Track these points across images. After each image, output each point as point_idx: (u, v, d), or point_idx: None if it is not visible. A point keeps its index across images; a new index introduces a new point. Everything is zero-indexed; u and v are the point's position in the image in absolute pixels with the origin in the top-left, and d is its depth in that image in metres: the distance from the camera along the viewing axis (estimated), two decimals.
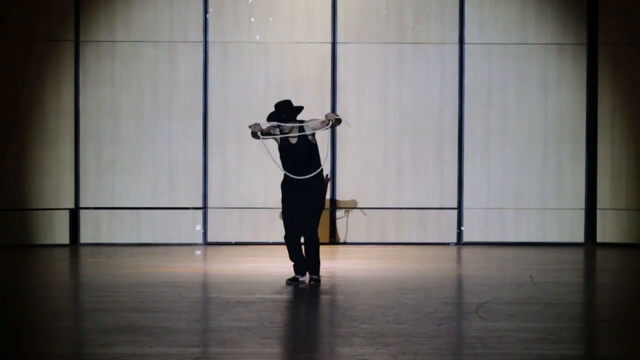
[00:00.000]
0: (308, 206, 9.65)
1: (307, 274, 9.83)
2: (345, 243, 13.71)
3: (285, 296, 9.07)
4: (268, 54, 13.70)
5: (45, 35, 13.38)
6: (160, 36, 13.63)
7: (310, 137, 9.68)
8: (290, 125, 9.65)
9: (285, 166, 9.71)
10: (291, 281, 9.73)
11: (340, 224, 13.72)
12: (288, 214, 9.70)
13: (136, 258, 12.23)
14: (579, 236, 13.75)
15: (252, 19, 13.69)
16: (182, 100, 13.65)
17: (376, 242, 13.71)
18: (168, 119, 13.65)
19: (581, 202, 13.74)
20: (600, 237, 13.68)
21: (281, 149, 9.75)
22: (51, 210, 13.46)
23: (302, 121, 9.77)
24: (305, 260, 9.74)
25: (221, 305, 8.64)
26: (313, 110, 13.64)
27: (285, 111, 9.68)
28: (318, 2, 13.72)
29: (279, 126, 9.61)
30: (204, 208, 13.69)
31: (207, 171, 13.69)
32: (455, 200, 13.78)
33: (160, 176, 13.65)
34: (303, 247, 9.73)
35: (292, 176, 9.61)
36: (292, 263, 9.84)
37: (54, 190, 13.46)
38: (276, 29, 13.70)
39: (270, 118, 9.70)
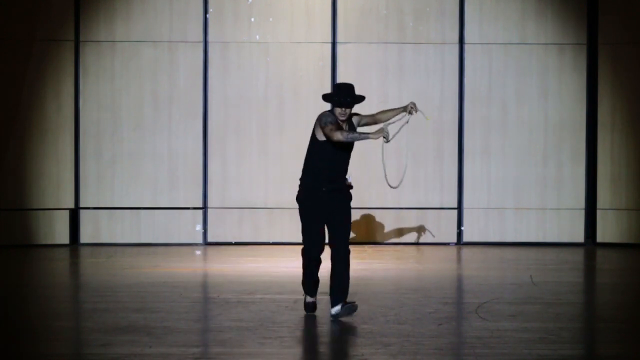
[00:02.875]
0: None
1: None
2: None
3: (285, 296, 9.07)
4: (268, 54, 13.70)
5: (45, 35, 13.37)
6: (160, 36, 13.63)
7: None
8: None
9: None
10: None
11: None
12: None
13: (136, 258, 12.23)
14: (579, 236, 13.75)
15: (252, 19, 13.69)
16: (182, 101, 13.65)
17: (376, 242, 13.71)
18: (168, 119, 13.65)
19: (581, 202, 13.74)
20: (600, 237, 13.68)
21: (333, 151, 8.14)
22: (51, 210, 13.46)
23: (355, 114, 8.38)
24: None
25: (221, 305, 8.65)
26: (314, 111, 13.66)
27: (350, 94, 8.02)
28: (318, 2, 13.72)
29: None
30: (204, 208, 13.69)
31: (207, 171, 13.70)
32: (455, 200, 13.78)
33: (160, 176, 13.65)
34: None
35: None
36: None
37: (54, 190, 13.46)
38: (276, 29, 13.70)
39: (329, 99, 8.10)
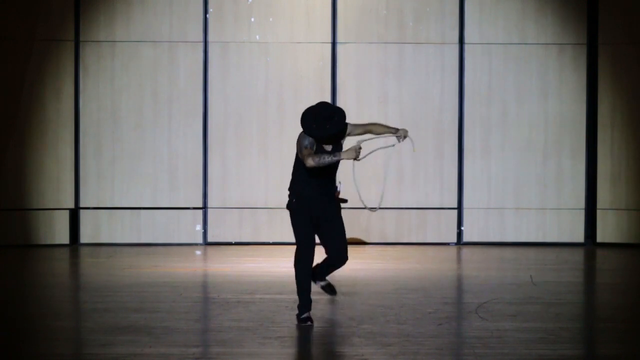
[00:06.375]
0: None
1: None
2: None
3: (285, 296, 9.07)
4: (268, 54, 13.70)
5: (45, 35, 13.37)
6: (160, 36, 13.63)
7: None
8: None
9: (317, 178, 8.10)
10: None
11: None
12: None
13: (136, 258, 12.24)
14: (579, 236, 13.75)
15: (252, 19, 13.70)
16: (182, 101, 13.65)
17: (376, 242, 13.71)
18: (168, 120, 13.65)
19: (581, 202, 13.74)
20: (600, 237, 13.67)
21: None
22: (51, 210, 13.45)
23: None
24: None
25: (221, 305, 8.65)
26: None
27: (334, 129, 7.89)
28: (318, 2, 13.72)
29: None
30: (204, 208, 13.69)
31: (207, 171, 13.70)
32: (455, 200, 13.78)
33: (160, 176, 13.65)
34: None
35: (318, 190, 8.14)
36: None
37: (54, 190, 13.46)
38: (276, 29, 13.70)
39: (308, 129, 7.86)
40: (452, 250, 13.32)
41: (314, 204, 7.96)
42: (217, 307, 8.61)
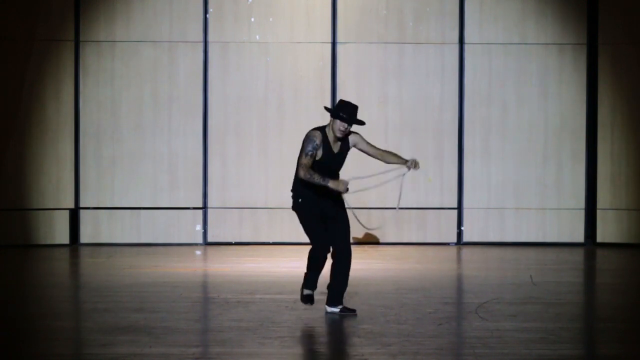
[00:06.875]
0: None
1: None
2: None
3: (285, 296, 9.07)
4: (268, 54, 13.70)
5: (45, 35, 13.37)
6: (160, 36, 13.63)
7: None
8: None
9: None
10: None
11: None
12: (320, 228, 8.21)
13: (136, 258, 12.24)
14: (579, 236, 13.75)
15: (252, 19, 13.70)
16: (182, 101, 13.65)
17: (376, 242, 13.70)
18: (168, 120, 13.65)
19: (581, 202, 13.74)
20: (600, 237, 13.67)
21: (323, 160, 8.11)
22: (51, 210, 13.45)
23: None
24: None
25: (221, 305, 8.65)
26: (314, 111, 13.65)
27: (354, 114, 8.08)
28: (318, 2, 13.72)
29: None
30: (204, 208, 13.70)
31: (207, 171, 13.70)
32: (455, 200, 13.78)
33: (160, 176, 13.65)
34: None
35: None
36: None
37: (54, 190, 13.46)
38: (276, 29, 13.70)
39: (332, 111, 8.06)
40: (452, 250, 13.32)
41: (319, 201, 8.09)
42: (217, 307, 8.61)
